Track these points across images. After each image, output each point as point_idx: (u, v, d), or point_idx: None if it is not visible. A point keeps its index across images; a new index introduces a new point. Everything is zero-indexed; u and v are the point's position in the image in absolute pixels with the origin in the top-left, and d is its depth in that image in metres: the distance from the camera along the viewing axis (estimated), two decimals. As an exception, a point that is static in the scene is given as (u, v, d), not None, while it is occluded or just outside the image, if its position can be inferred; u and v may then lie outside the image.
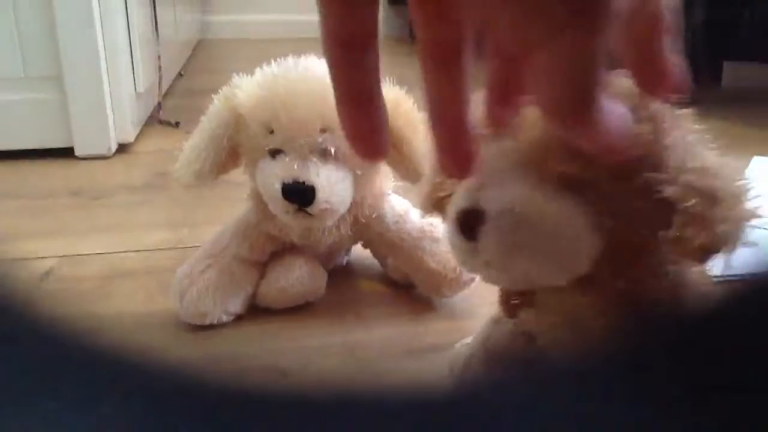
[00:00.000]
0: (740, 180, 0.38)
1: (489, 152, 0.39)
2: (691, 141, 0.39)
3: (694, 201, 0.36)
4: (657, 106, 0.38)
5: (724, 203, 0.36)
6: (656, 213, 0.37)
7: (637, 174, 0.37)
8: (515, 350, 0.50)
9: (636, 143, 0.36)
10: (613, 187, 0.38)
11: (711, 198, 0.36)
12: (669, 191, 0.37)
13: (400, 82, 0.67)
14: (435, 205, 0.47)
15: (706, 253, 0.37)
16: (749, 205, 0.37)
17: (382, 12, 3.04)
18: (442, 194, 0.46)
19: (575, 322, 0.43)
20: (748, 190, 0.38)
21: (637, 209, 0.38)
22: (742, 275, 0.67)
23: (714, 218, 0.36)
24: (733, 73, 1.94)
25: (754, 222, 0.38)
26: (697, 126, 0.40)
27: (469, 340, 0.56)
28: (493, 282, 0.44)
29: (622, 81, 0.38)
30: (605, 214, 0.38)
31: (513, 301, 0.48)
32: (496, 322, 0.53)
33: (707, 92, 1.81)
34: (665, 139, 0.38)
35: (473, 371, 0.53)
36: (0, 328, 0.21)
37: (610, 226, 0.39)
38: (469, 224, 0.39)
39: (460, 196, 0.41)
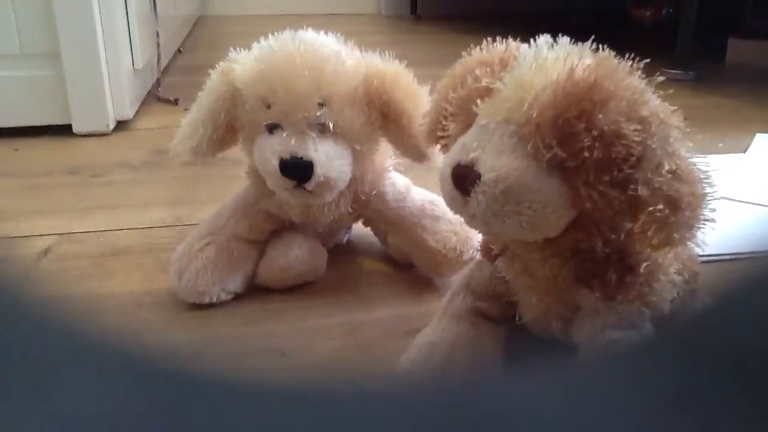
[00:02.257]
0: (703, 186, 0.43)
1: (495, 116, 0.45)
2: (672, 143, 0.43)
3: (660, 206, 0.41)
4: (651, 109, 0.43)
5: (686, 212, 0.42)
6: (627, 205, 0.43)
7: (619, 169, 0.42)
8: (494, 290, 0.56)
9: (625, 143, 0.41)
10: (596, 177, 0.42)
11: (675, 206, 0.42)
12: (642, 191, 0.42)
13: (400, 58, 0.66)
14: (435, 140, 0.53)
15: (660, 249, 0.44)
16: (706, 212, 0.43)
17: (384, -11, 3.02)
18: (441, 134, 0.51)
19: (532, 270, 0.50)
20: (709, 196, 0.43)
21: (612, 199, 0.43)
22: (732, 255, 0.68)
23: (674, 223, 0.42)
24: (737, 50, 1.93)
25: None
26: (681, 124, 0.45)
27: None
28: (475, 229, 0.50)
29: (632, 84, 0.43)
30: (584, 197, 0.43)
31: (492, 251, 0.55)
32: (478, 265, 0.58)
33: (712, 69, 1.80)
34: (650, 140, 0.42)
35: (454, 311, 0.57)
36: None
37: (586, 207, 0.44)
38: (463, 180, 0.44)
39: (459, 146, 0.46)
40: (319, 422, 0.19)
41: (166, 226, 0.86)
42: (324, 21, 1.78)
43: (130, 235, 0.83)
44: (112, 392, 0.19)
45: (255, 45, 0.64)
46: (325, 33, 0.65)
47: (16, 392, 0.19)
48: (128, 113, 1.27)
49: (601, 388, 0.20)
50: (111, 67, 1.21)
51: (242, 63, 0.63)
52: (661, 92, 0.45)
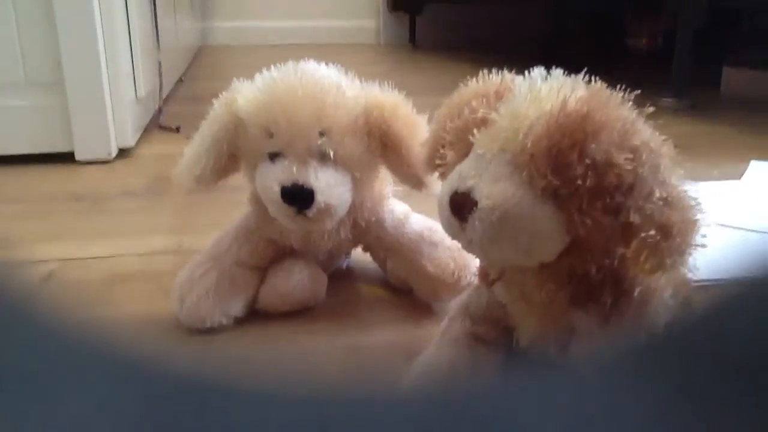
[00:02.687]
0: (695, 213, 0.44)
1: (491, 146, 0.46)
2: (663, 171, 0.44)
3: (652, 232, 0.42)
4: (642, 138, 0.44)
5: (677, 238, 0.43)
6: (620, 231, 0.44)
7: (612, 197, 0.43)
8: (491, 315, 0.57)
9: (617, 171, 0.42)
10: (589, 204, 0.43)
11: (667, 232, 0.42)
12: (634, 218, 0.43)
13: (400, 87, 0.67)
14: (434, 168, 0.55)
15: (652, 274, 0.44)
16: (698, 237, 0.44)
17: (383, 19, 3.05)
18: (439, 162, 0.52)
19: (528, 295, 0.51)
20: (700, 223, 0.44)
21: (606, 225, 0.44)
22: (725, 279, 0.68)
23: (665, 249, 0.43)
24: (732, 78, 1.95)
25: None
26: (672, 153, 0.46)
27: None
28: (472, 255, 0.52)
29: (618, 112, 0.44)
30: (578, 224, 0.44)
31: (489, 277, 0.55)
32: (476, 290, 0.59)
33: (706, 97, 1.82)
34: (641, 169, 0.43)
35: (452, 335, 0.58)
36: (2, 331, 0.22)
37: (580, 233, 0.45)
38: (460, 207, 0.46)
39: (457, 175, 0.47)
40: (318, 425, 0.19)
41: (168, 253, 0.86)
42: (324, 51, 1.80)
43: (133, 262, 0.84)
44: (111, 399, 0.20)
45: (257, 75, 0.65)
46: (326, 64, 0.67)
47: (16, 398, 0.19)
48: (130, 141, 1.28)
49: (599, 391, 0.20)
50: (114, 96, 1.23)
51: (245, 93, 0.64)
52: (654, 122, 0.47)
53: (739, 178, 1.14)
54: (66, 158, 1.21)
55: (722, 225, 0.90)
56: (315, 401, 0.20)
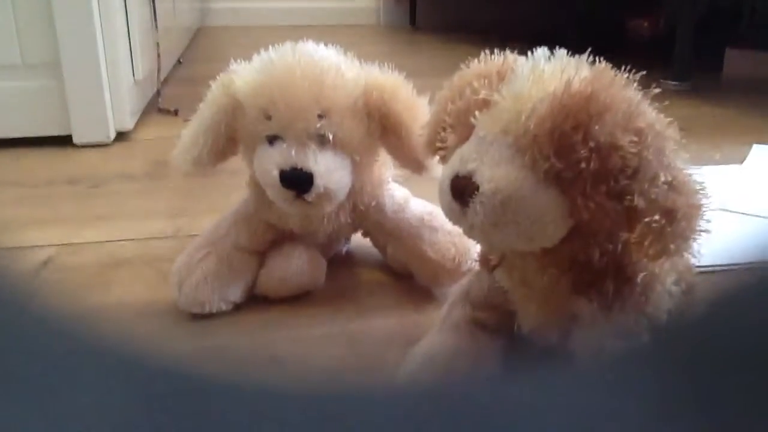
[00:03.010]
0: (699, 197, 0.44)
1: (493, 127, 0.45)
2: (668, 154, 0.43)
3: (656, 217, 0.42)
4: (647, 121, 0.43)
5: (682, 222, 0.42)
6: (624, 216, 0.43)
7: (616, 180, 0.42)
8: (492, 300, 0.56)
9: (621, 154, 0.42)
10: (593, 188, 0.43)
11: (671, 217, 0.42)
12: (638, 202, 0.42)
13: (399, 68, 0.66)
14: (434, 151, 0.53)
15: (656, 259, 0.44)
16: (702, 222, 0.43)
17: (383, 1, 3.03)
18: (440, 145, 0.51)
19: (530, 280, 0.51)
20: (705, 207, 0.44)
21: (609, 210, 0.43)
22: (728, 265, 0.68)
23: (670, 234, 0.42)
24: (734, 60, 1.93)
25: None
26: (677, 135, 0.45)
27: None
28: (473, 239, 0.51)
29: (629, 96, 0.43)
30: (581, 208, 0.43)
31: (490, 262, 0.55)
32: (477, 276, 0.59)
33: (709, 80, 1.81)
34: (646, 152, 0.42)
35: (453, 321, 0.57)
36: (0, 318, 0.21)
37: (583, 218, 0.44)
38: (461, 191, 0.45)
39: (458, 158, 0.46)
40: (317, 423, 0.19)
41: (166, 237, 0.86)
42: (323, 32, 1.79)
43: (130, 246, 0.83)
44: (111, 396, 0.19)
45: (255, 57, 0.65)
46: (325, 44, 0.66)
47: (16, 397, 0.19)
48: (128, 124, 1.27)
49: (599, 391, 0.20)
50: (111, 78, 1.22)
51: (243, 75, 0.63)
52: (658, 104, 0.46)
53: (741, 162, 1.14)
54: (63, 141, 1.21)
55: (724, 210, 0.90)
56: (313, 398, 0.19)
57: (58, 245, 0.83)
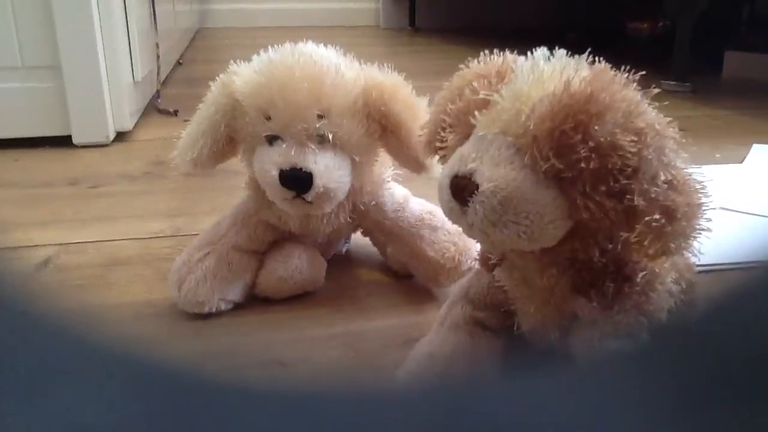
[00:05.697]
0: (699, 196, 0.44)
1: (492, 127, 0.45)
2: (667, 153, 0.43)
3: (656, 216, 0.42)
4: (646, 120, 0.43)
5: (682, 221, 0.42)
6: (624, 215, 0.43)
7: (616, 180, 0.42)
8: (492, 300, 0.57)
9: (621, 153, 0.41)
10: (593, 188, 0.42)
11: (671, 216, 0.42)
12: (638, 201, 0.42)
13: (399, 69, 0.66)
14: (434, 151, 0.53)
15: (656, 258, 0.44)
16: (702, 221, 0.43)
17: (382, 1, 3.03)
18: (440, 145, 0.51)
19: (530, 280, 0.51)
20: (705, 206, 0.44)
21: (609, 209, 0.43)
22: (728, 264, 0.68)
23: (670, 233, 0.42)
24: (733, 62, 1.94)
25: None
26: (677, 135, 0.45)
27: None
28: (473, 239, 0.50)
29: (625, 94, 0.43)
30: (581, 207, 0.43)
31: (490, 261, 0.55)
32: (477, 275, 0.59)
33: (708, 81, 1.81)
34: (646, 151, 0.42)
35: (452, 320, 0.57)
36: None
37: (583, 217, 0.44)
38: (461, 190, 0.45)
39: (457, 157, 0.46)
40: (317, 423, 0.19)
41: (166, 237, 0.86)
42: (323, 33, 1.79)
43: (130, 246, 0.83)
44: (112, 398, 0.19)
45: (255, 57, 0.65)
46: (325, 45, 0.66)
47: (17, 398, 0.19)
48: (128, 125, 1.28)
49: (599, 394, 0.20)
50: (111, 79, 1.22)
51: (242, 75, 0.63)
52: (657, 104, 0.46)
53: (741, 162, 1.14)
54: (63, 142, 1.21)
55: (724, 209, 0.90)
56: (313, 398, 0.19)
57: (58, 245, 0.83)
